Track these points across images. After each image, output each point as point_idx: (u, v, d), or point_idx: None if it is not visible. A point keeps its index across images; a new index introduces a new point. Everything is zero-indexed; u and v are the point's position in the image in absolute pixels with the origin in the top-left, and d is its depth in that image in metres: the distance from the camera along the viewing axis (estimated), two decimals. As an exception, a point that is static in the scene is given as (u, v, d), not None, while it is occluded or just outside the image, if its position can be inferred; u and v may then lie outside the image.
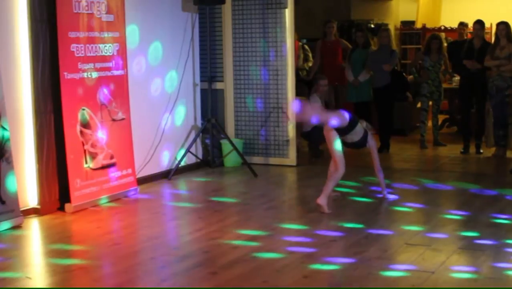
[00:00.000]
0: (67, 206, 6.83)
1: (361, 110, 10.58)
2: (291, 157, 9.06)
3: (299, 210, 7.22)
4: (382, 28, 10.95)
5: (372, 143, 7.18)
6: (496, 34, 9.55)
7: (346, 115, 6.94)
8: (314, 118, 7.06)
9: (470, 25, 11.39)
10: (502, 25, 9.39)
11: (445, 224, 6.36)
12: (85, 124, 7.01)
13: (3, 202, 6.22)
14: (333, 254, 5.48)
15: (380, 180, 7.28)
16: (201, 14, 8.96)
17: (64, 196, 6.85)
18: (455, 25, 12.62)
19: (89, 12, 7.04)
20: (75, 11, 6.88)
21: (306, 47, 11.91)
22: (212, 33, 9.04)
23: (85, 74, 7.01)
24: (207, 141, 9.00)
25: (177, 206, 7.30)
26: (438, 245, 5.69)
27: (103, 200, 7.15)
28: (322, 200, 6.74)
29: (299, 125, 9.55)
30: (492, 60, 9.34)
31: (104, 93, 7.24)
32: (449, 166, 9.17)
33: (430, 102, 10.43)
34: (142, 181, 7.91)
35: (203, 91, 9.06)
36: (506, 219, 6.43)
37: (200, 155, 9.00)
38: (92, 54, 7.09)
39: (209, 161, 8.98)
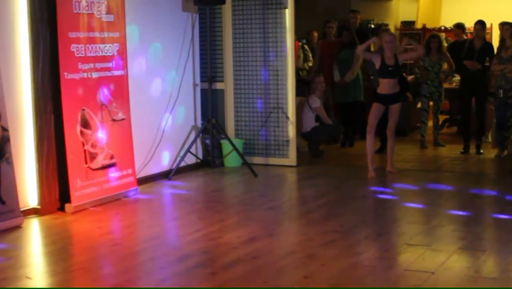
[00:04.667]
0: (67, 206, 6.83)
1: (347, 111, 10.51)
2: (291, 157, 9.06)
3: (299, 210, 7.23)
4: (382, 29, 10.93)
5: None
6: (500, 35, 9.50)
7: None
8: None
9: (468, 25, 11.40)
10: (507, 25, 9.36)
11: (445, 224, 6.36)
12: (85, 124, 7.01)
13: (3, 202, 6.22)
14: (333, 254, 5.48)
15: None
16: (201, 14, 8.96)
17: (64, 196, 6.85)
18: (455, 25, 12.60)
19: (89, 12, 7.04)
20: (75, 11, 6.88)
21: (306, 47, 11.91)
22: (212, 33, 9.04)
23: (85, 75, 7.01)
24: (207, 141, 9.00)
25: (177, 206, 7.30)
26: (438, 245, 5.69)
27: (103, 200, 7.14)
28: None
29: (299, 126, 9.56)
30: (498, 62, 9.32)
31: (104, 93, 7.24)
32: (449, 166, 9.17)
33: (431, 103, 10.43)
34: (142, 181, 7.91)
35: (203, 91, 9.06)
36: (506, 219, 6.43)
37: (200, 155, 9.00)
38: (92, 55, 7.08)
39: (209, 161, 8.98)
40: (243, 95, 9.21)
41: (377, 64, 8.34)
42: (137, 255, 5.67)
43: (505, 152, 9.45)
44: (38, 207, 6.74)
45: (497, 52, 9.47)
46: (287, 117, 9.01)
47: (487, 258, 5.36)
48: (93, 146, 7.08)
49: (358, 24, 11.42)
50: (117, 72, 7.40)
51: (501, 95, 9.33)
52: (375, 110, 8.34)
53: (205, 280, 5.04)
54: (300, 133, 9.72)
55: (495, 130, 9.73)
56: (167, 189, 7.96)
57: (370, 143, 8.40)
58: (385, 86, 8.30)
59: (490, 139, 10.33)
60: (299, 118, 9.62)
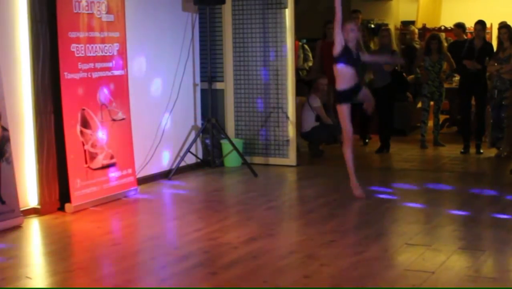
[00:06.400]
0: (67, 206, 6.83)
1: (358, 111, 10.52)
2: (291, 157, 9.06)
3: (299, 210, 7.23)
4: (382, 28, 10.93)
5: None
6: (498, 37, 9.54)
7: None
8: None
9: (468, 25, 11.40)
10: (504, 28, 9.42)
11: (445, 224, 6.36)
12: (85, 124, 7.01)
13: (3, 202, 6.22)
14: (333, 254, 5.48)
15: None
16: (201, 14, 8.96)
17: (64, 196, 6.85)
18: (455, 25, 12.60)
19: (89, 12, 7.04)
20: (75, 11, 6.88)
21: (306, 47, 11.90)
22: (212, 33, 9.04)
23: (85, 74, 7.01)
24: (207, 141, 9.00)
25: (177, 206, 7.29)
26: (438, 245, 5.69)
27: (103, 200, 7.14)
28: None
29: (299, 126, 9.56)
30: (495, 63, 9.35)
31: (104, 93, 7.24)
32: (449, 166, 9.17)
33: (432, 103, 10.43)
34: (142, 181, 7.91)
35: (203, 91, 9.06)
36: (506, 219, 6.43)
37: (200, 155, 9.00)
38: (92, 54, 7.09)
39: (209, 161, 8.98)
40: (243, 95, 9.21)
41: (339, 47, 7.07)
42: (137, 255, 5.67)
43: (505, 152, 9.46)
44: (38, 206, 6.74)
45: (494, 54, 9.51)
46: (287, 117, 9.01)
47: (487, 258, 5.36)
48: (93, 145, 7.08)
49: (360, 24, 11.40)
50: (117, 72, 7.40)
51: (496, 96, 9.37)
52: (345, 113, 7.12)
53: (205, 280, 5.03)
54: (300, 133, 9.72)
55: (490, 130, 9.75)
56: (167, 189, 7.96)
57: (349, 157, 7.23)
58: (347, 78, 7.10)
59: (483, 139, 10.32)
60: (299, 118, 9.62)
